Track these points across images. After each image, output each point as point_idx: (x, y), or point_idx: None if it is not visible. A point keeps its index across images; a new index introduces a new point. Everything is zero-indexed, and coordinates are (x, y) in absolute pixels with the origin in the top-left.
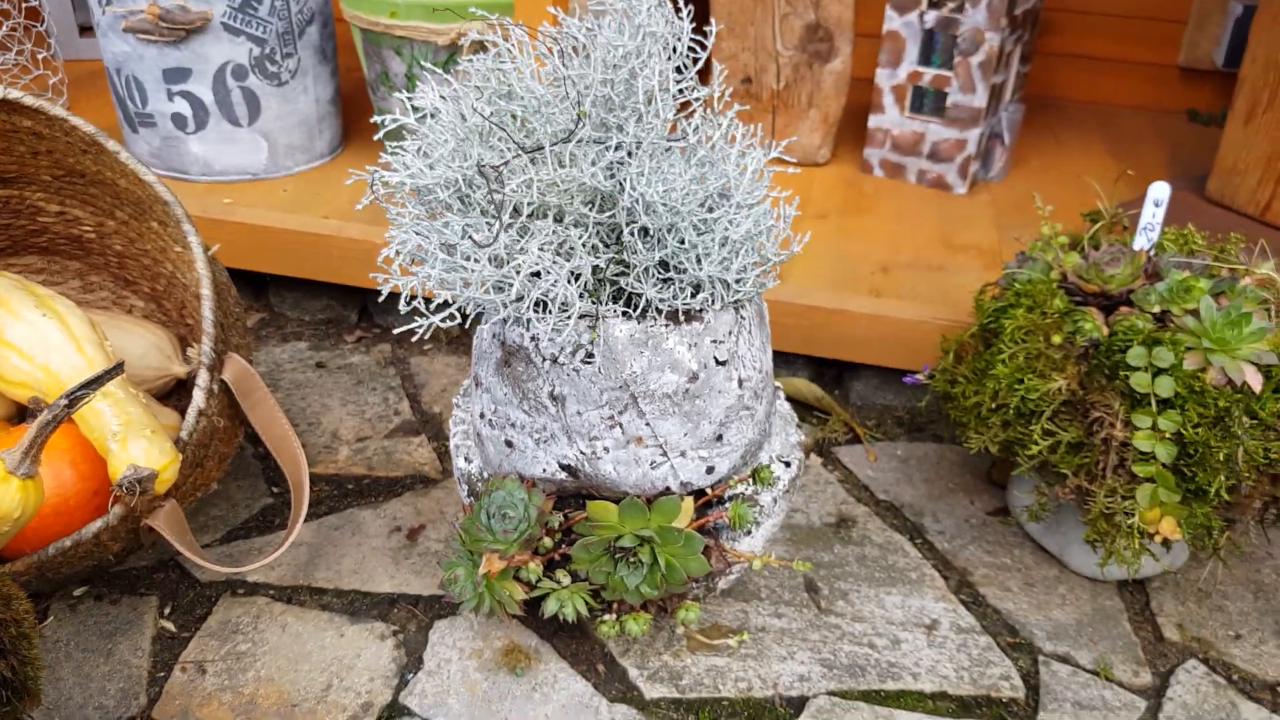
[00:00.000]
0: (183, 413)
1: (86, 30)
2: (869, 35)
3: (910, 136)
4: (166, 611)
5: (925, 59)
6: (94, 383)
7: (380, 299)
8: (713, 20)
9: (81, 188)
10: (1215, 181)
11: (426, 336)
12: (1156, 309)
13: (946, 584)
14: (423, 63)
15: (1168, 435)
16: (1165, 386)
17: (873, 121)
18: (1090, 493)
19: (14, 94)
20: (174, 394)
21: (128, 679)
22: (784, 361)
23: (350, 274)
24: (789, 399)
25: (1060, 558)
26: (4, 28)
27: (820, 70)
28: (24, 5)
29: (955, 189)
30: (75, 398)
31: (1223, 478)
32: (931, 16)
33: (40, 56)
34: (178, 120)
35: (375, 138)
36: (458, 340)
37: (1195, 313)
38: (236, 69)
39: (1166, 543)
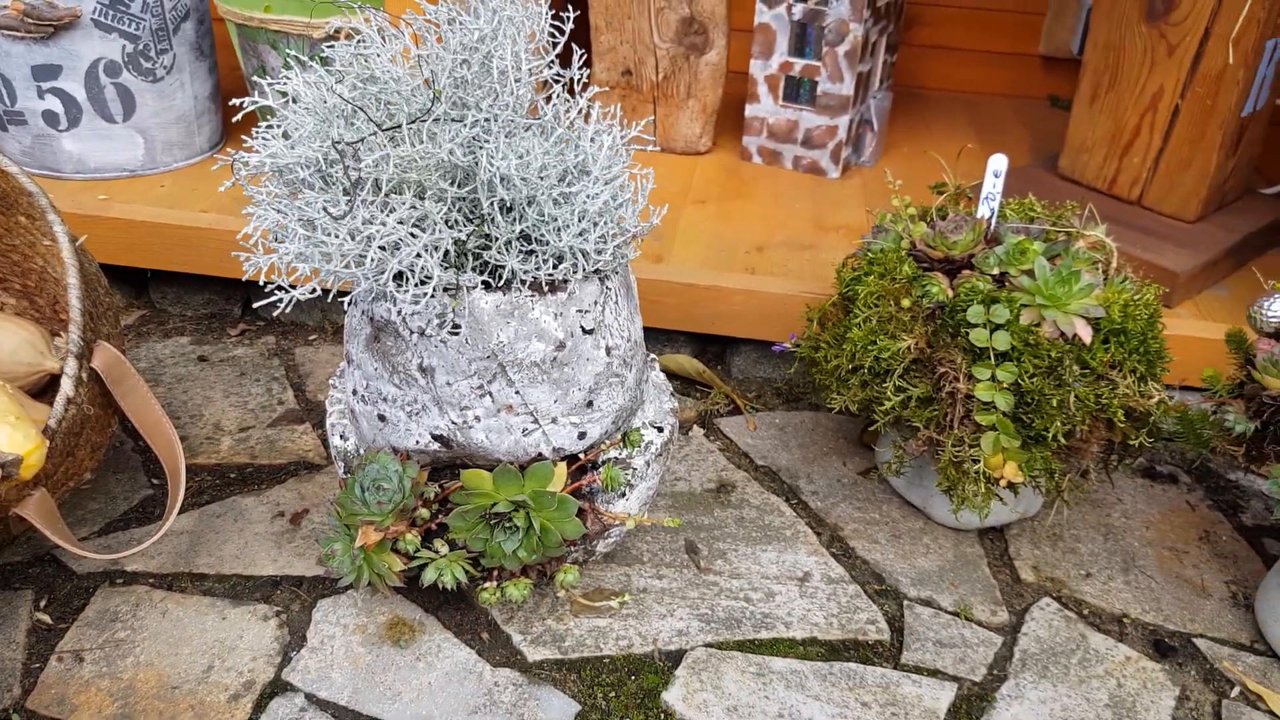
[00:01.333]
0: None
1: None
2: (744, 30)
3: (785, 124)
4: (42, 604)
5: (797, 50)
6: None
7: (263, 286)
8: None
9: None
10: (1066, 159)
11: (314, 323)
12: (995, 271)
13: (819, 539)
14: (299, 56)
15: (1006, 386)
16: (1002, 340)
17: (749, 111)
18: (940, 443)
19: None
20: (48, 390)
21: (1, 672)
22: (667, 339)
23: (232, 267)
24: (672, 375)
25: (924, 510)
26: None
27: (697, 62)
28: None
29: (829, 174)
30: None
31: (1059, 423)
32: (799, 9)
33: None
34: (49, 118)
35: (234, 120)
36: (342, 330)
37: (1030, 273)
38: (109, 65)
39: (1012, 486)
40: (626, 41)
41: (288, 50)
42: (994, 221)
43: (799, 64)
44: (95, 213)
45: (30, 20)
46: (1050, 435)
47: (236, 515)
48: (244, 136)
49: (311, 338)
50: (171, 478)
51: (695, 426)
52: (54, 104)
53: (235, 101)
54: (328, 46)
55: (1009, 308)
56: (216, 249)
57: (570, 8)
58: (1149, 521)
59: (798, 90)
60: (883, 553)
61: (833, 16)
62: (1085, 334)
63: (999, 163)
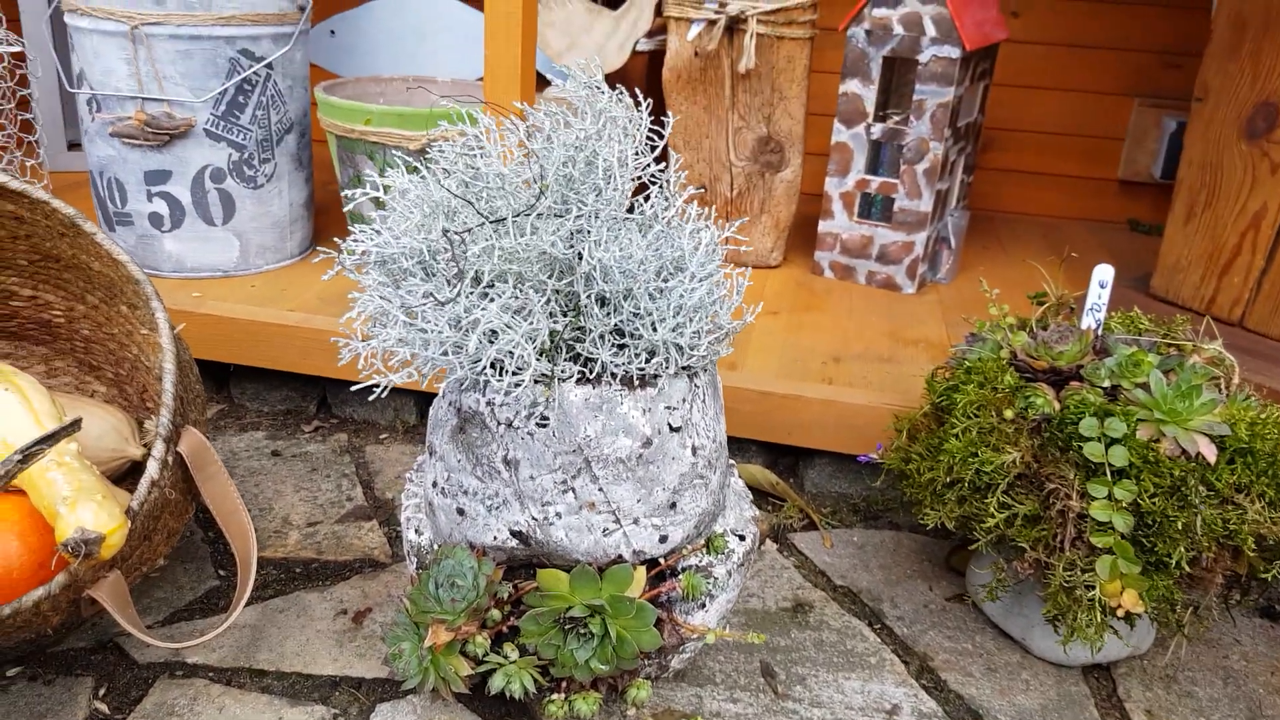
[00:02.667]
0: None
1: (74, 146)
2: (817, 153)
3: (859, 240)
4: (101, 693)
5: (872, 168)
6: (49, 439)
7: (352, 388)
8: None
9: (56, 272)
10: (1159, 279)
11: (385, 422)
12: (1107, 383)
13: (907, 669)
14: (404, 158)
15: (1124, 505)
16: (1119, 456)
17: (823, 226)
18: (1049, 566)
19: (1, 177)
20: (128, 477)
21: None
22: (738, 448)
23: (313, 364)
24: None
25: (1023, 642)
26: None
27: (772, 179)
28: (19, 118)
29: (904, 289)
30: (30, 453)
31: (1183, 548)
32: (878, 129)
33: (29, 165)
34: (154, 219)
35: (345, 209)
36: (413, 430)
37: (1146, 386)
38: (215, 172)
39: (1129, 617)
40: (702, 159)
41: (385, 160)
42: (1100, 333)
43: (875, 181)
44: (189, 308)
45: (150, 130)
46: (1174, 561)
47: (300, 611)
48: (337, 239)
49: (383, 436)
50: (242, 568)
51: (768, 540)
52: (160, 206)
53: (347, 193)
54: (432, 147)
55: (1125, 421)
56: (300, 346)
57: (668, 113)
58: (1274, 667)
59: (870, 207)
60: (978, 687)
61: (913, 136)
62: (1209, 453)
63: (1104, 273)
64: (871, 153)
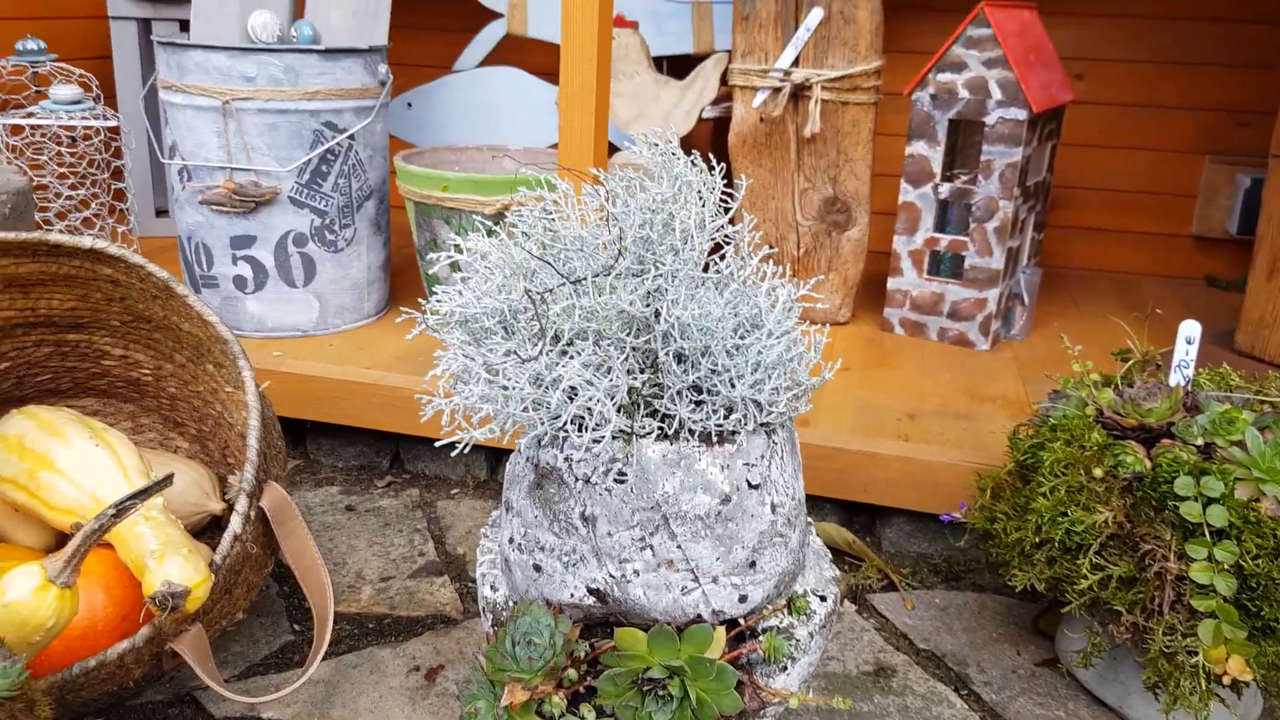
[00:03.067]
0: (216, 548)
1: (161, 213)
2: (883, 212)
3: (930, 297)
4: None
5: (940, 226)
6: (142, 494)
7: (436, 444)
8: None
9: (147, 333)
10: (1244, 335)
11: (457, 477)
12: (1200, 441)
13: None
14: (483, 222)
15: (1226, 567)
16: (1218, 516)
17: (892, 284)
18: (1148, 630)
19: (100, 243)
20: (207, 531)
21: None
22: (813, 506)
23: (389, 420)
24: None
25: (1120, 710)
26: (93, 206)
27: (839, 238)
28: (112, 188)
29: (978, 346)
30: (123, 508)
31: None
32: (946, 189)
33: (120, 230)
34: (238, 282)
35: (426, 271)
36: (483, 485)
37: (1241, 444)
38: (298, 237)
39: (1236, 685)
40: (769, 220)
41: (461, 224)
42: (1189, 389)
43: (944, 239)
44: (269, 367)
45: (237, 197)
46: None
47: (373, 667)
48: (420, 299)
49: (454, 491)
50: (319, 623)
51: (846, 601)
52: (244, 270)
53: (432, 255)
54: (510, 212)
55: (1223, 480)
56: (377, 404)
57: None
58: None
59: (940, 264)
60: None
61: (981, 195)
62: None
63: (1191, 329)
64: (939, 211)
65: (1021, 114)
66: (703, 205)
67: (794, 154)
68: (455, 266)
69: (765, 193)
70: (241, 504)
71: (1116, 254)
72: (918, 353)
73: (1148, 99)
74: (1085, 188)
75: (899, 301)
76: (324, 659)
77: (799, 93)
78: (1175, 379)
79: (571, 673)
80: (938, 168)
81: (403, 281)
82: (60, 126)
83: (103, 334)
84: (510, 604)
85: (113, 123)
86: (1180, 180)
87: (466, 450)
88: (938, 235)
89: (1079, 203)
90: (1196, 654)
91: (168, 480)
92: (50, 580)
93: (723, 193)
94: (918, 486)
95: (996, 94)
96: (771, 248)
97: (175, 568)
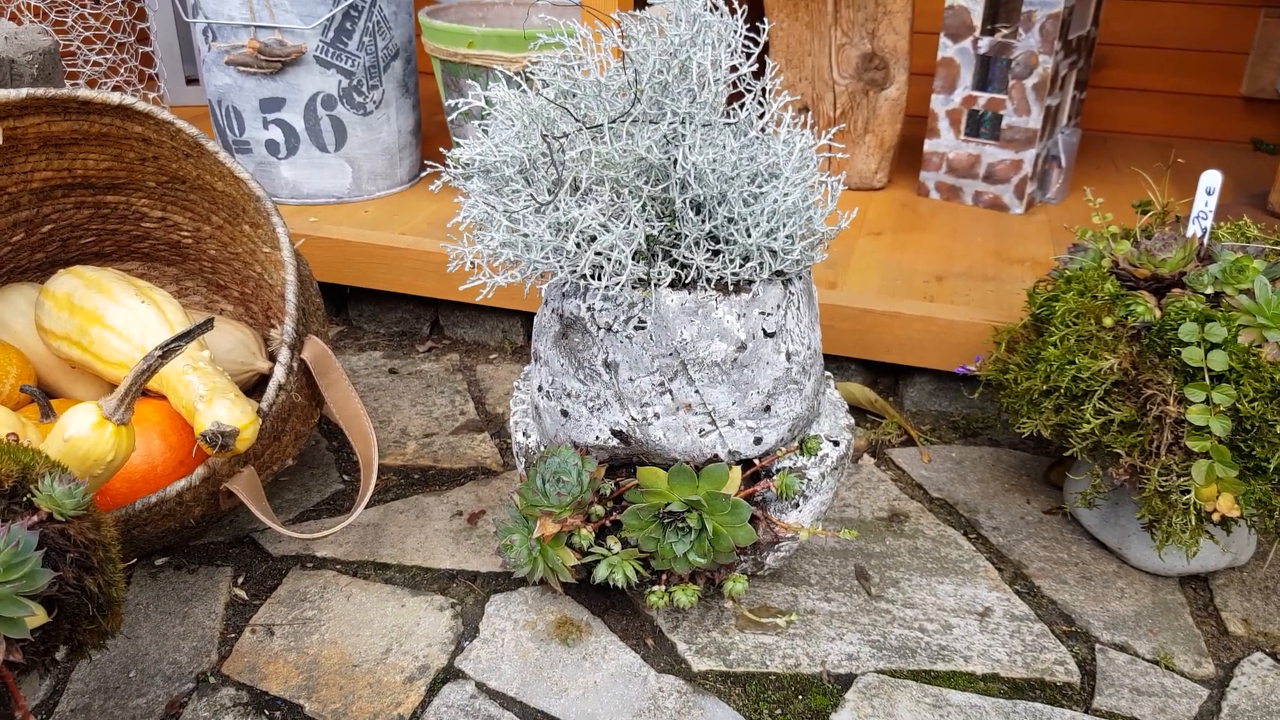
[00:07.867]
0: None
1: (192, 81)
2: (922, 73)
3: (966, 159)
4: (240, 581)
5: (980, 84)
6: (186, 335)
7: (460, 287)
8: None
9: (182, 194)
10: (1277, 194)
11: (495, 343)
12: (1210, 290)
13: (1000, 575)
14: (505, 72)
15: (1223, 409)
16: (1219, 361)
17: (928, 146)
18: (1145, 471)
19: (127, 99)
20: (255, 390)
21: (201, 639)
22: (837, 366)
23: (425, 286)
24: None
25: (1119, 552)
26: (121, 72)
27: (876, 98)
28: (139, 51)
29: (1012, 209)
30: (169, 349)
31: None
32: (985, 43)
33: (150, 97)
34: (271, 147)
35: (449, 119)
36: (520, 350)
37: (1250, 293)
38: (326, 99)
39: (1225, 522)
40: (805, 79)
41: (488, 83)
42: (1205, 240)
43: (983, 98)
44: (307, 232)
45: (263, 57)
46: (1272, 466)
47: (419, 512)
48: (443, 149)
49: (492, 356)
50: (365, 467)
51: (865, 455)
52: (276, 134)
53: (450, 102)
54: (532, 61)
55: (1226, 326)
56: (413, 268)
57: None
58: None
59: (979, 125)
60: (1071, 594)
61: (1021, 49)
62: None
63: (1212, 179)
64: (979, 68)
65: None
66: (728, 48)
67: (831, 6)
68: (468, 115)
69: (801, 49)
70: (284, 355)
71: (1161, 116)
72: (951, 217)
73: None
74: (1131, 45)
75: (935, 165)
76: (373, 505)
77: None
78: (1193, 230)
79: (598, 508)
80: (978, 20)
81: (436, 149)
82: None
83: (140, 195)
84: (541, 448)
85: None
86: (1232, 37)
87: (493, 313)
88: (976, 93)
89: (1124, 61)
90: (1189, 493)
91: (208, 324)
92: (106, 417)
93: (747, 38)
94: (940, 346)
95: None
96: (804, 107)
97: (224, 410)
